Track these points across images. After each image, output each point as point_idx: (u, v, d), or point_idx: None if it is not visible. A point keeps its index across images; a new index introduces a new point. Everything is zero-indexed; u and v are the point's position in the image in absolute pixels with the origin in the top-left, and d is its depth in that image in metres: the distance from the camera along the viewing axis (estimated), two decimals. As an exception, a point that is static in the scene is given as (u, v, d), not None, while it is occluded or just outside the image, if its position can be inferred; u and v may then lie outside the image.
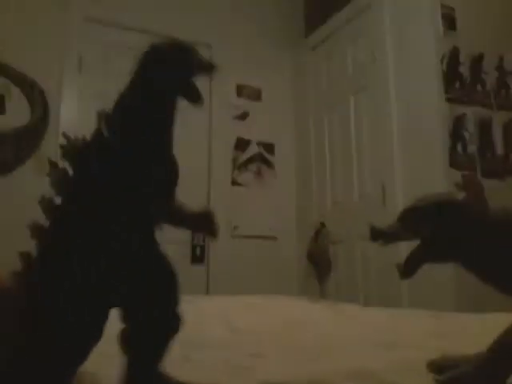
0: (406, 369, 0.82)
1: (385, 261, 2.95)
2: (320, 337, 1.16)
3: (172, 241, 3.76)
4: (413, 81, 3.07)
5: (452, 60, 3.03)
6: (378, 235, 0.67)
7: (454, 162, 2.92)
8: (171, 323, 0.72)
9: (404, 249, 0.70)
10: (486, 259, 0.66)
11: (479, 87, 3.13)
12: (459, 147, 2.98)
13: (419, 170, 3.00)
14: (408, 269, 0.66)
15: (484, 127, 3.13)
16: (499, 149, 3.12)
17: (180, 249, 3.42)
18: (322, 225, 3.23)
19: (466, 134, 3.02)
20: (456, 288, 2.70)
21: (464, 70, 3.06)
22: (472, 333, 1.13)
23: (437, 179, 2.89)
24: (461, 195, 0.66)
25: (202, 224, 0.74)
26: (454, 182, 0.68)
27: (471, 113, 3.07)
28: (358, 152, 3.48)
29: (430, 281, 2.74)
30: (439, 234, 0.65)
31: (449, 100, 2.98)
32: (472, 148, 3.02)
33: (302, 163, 4.03)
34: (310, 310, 1.63)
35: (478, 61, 3.14)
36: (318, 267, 3.09)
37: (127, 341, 0.71)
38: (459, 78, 3.04)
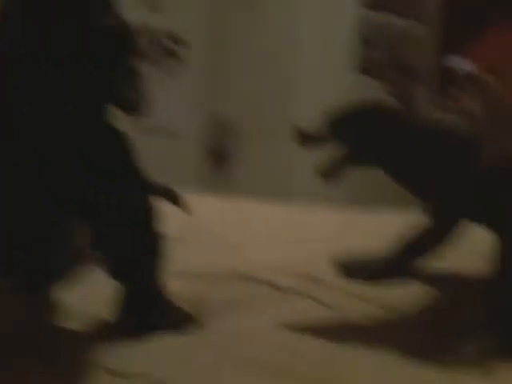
0: (315, 262, 0.88)
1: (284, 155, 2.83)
2: (233, 233, 1.12)
3: None
4: None
5: None
6: (305, 138, 0.67)
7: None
8: (151, 241, 0.69)
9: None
10: (406, 165, 0.69)
11: None
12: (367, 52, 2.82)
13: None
14: (331, 172, 0.68)
15: (393, 34, 2.92)
16: (406, 57, 2.98)
17: None
18: (226, 120, 3.12)
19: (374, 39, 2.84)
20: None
21: None
22: (370, 226, 1.18)
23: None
24: (390, 102, 0.67)
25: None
26: (387, 91, 0.69)
27: (382, 18, 2.91)
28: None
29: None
30: (365, 140, 0.67)
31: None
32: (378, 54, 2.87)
33: (210, 53, 3.66)
34: (219, 206, 1.45)
35: None
36: (221, 162, 3.04)
37: (113, 270, 0.69)
38: None
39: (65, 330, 0.68)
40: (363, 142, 0.67)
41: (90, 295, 0.77)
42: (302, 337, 0.66)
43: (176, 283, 0.73)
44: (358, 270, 0.85)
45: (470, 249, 0.88)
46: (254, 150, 3.30)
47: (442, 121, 0.68)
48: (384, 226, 1.20)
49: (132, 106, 0.64)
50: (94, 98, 0.63)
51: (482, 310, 0.68)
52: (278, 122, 2.83)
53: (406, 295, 0.78)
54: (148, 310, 0.70)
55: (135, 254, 0.68)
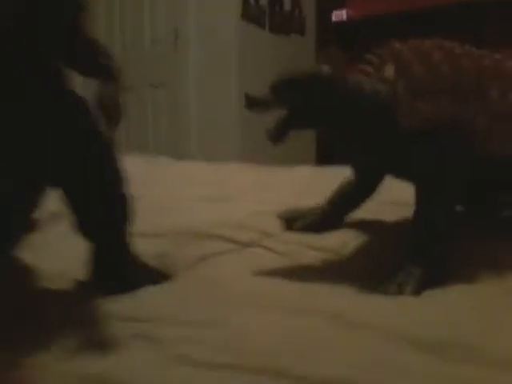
0: (237, 225, 0.94)
1: (174, 109, 3.07)
2: (164, 195, 1.20)
3: None
4: None
5: None
6: (253, 103, 0.71)
7: (245, 14, 2.97)
8: (116, 202, 0.71)
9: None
10: (338, 127, 0.76)
11: None
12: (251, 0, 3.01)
13: (212, 18, 3.00)
14: (278, 134, 0.73)
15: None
16: (287, 4, 3.21)
17: None
18: (119, 70, 3.17)
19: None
20: (241, 135, 2.89)
21: None
22: (285, 183, 1.34)
23: (228, 29, 2.97)
24: (325, 68, 0.72)
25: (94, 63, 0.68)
26: (322, 58, 0.74)
27: None
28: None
29: (216, 129, 2.94)
30: (307, 104, 0.72)
31: None
32: (263, 1, 3.07)
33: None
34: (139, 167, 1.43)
35: None
36: (109, 116, 3.10)
37: (78, 227, 0.71)
38: None
39: (45, 290, 0.70)
40: (303, 105, 0.72)
41: (58, 256, 0.79)
42: (272, 279, 0.73)
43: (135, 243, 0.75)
44: (298, 221, 0.95)
45: (391, 200, 1.02)
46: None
47: (363, 84, 0.73)
48: (298, 179, 1.32)
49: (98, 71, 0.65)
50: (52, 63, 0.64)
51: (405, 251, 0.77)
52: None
53: (342, 242, 0.87)
54: (122, 268, 0.73)
55: (106, 212, 0.71)
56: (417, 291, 0.70)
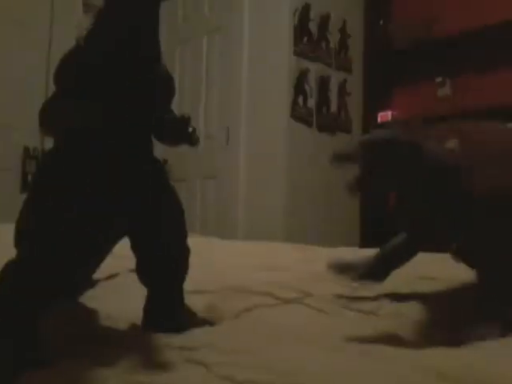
0: (280, 286, 1.02)
1: (222, 201, 3.24)
2: (211, 264, 1.28)
3: (1, 167, 3.59)
4: (266, 30, 3.23)
5: (303, 15, 3.24)
6: (341, 157, 0.76)
7: (294, 114, 3.16)
8: (180, 254, 0.80)
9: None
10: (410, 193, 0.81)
11: (324, 45, 3.38)
12: (300, 100, 3.22)
13: (263, 117, 3.20)
14: (357, 187, 0.77)
15: (323, 84, 3.37)
16: (334, 106, 3.40)
17: (9, 176, 3.14)
18: (165, 161, 3.31)
19: (308, 89, 3.24)
20: (285, 221, 3.03)
21: (313, 26, 3.29)
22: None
23: (278, 127, 3.16)
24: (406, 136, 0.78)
25: (179, 133, 0.76)
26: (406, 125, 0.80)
27: (314, 69, 3.29)
28: (206, 92, 3.52)
29: (261, 216, 3.08)
30: (391, 165, 0.77)
31: (296, 53, 3.18)
32: (311, 102, 3.27)
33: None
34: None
35: (325, 20, 3.37)
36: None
37: (141, 273, 0.80)
38: (308, 34, 3.27)
39: (107, 327, 0.79)
40: (386, 165, 0.77)
41: (117, 304, 0.88)
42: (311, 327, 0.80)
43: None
44: (347, 271, 1.01)
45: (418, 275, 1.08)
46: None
47: (439, 156, 0.77)
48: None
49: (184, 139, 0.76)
50: (147, 136, 0.76)
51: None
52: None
53: (378, 305, 0.93)
54: (176, 313, 0.81)
55: (170, 262, 0.80)
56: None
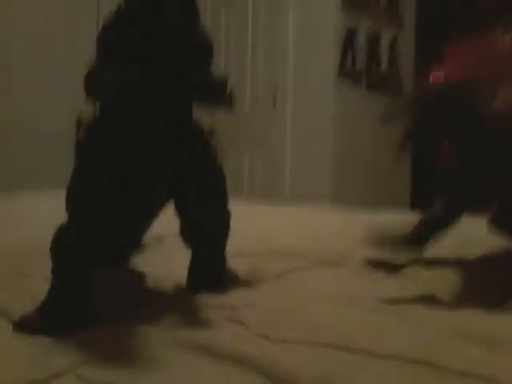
0: (320, 249, 1.04)
1: (269, 164, 3.22)
2: (255, 229, 1.29)
3: (56, 134, 3.60)
4: None
5: None
6: (392, 112, 0.77)
7: (342, 72, 3.09)
8: (221, 218, 0.83)
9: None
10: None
11: (373, 0, 3.26)
12: (349, 58, 3.14)
13: (310, 77, 3.14)
14: (405, 143, 0.78)
15: (373, 41, 3.24)
16: (384, 64, 3.32)
17: (63, 144, 3.07)
18: (213, 125, 3.29)
19: (357, 47, 3.12)
20: (333, 184, 3.00)
21: None
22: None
23: (326, 86, 3.09)
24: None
25: (216, 96, 0.76)
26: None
27: (363, 26, 3.17)
28: (252, 53, 3.45)
29: (309, 179, 3.05)
30: (439, 117, 0.77)
31: (344, 10, 3.09)
32: (360, 60, 3.18)
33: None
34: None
35: None
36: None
37: (185, 235, 0.83)
38: None
39: (154, 288, 0.84)
40: (435, 117, 0.77)
41: (164, 265, 0.93)
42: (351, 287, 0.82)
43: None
44: (387, 240, 0.99)
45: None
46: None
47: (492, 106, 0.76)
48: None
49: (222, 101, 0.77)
50: (187, 99, 0.77)
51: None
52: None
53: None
54: (219, 274, 0.84)
55: (213, 225, 0.83)
56: None
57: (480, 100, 0.77)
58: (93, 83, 0.72)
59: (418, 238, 0.98)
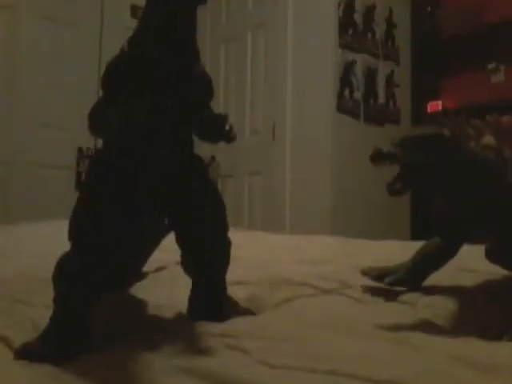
0: (320, 277, 1.05)
1: (269, 197, 3.26)
2: (254, 257, 1.33)
3: (56, 167, 3.70)
4: (310, 23, 3.22)
5: (348, 7, 3.23)
6: (379, 156, 0.75)
7: (340, 106, 3.17)
8: (222, 246, 0.84)
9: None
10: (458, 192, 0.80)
11: (369, 36, 3.37)
12: (347, 93, 3.22)
13: (308, 110, 3.20)
14: (398, 188, 0.77)
15: (370, 75, 3.31)
16: (381, 97, 3.40)
17: (64, 175, 3.34)
18: (213, 158, 3.32)
19: (354, 81, 3.19)
20: (332, 217, 3.06)
21: (358, 18, 3.28)
22: (370, 253, 1.41)
23: (324, 120, 3.16)
24: (447, 132, 0.76)
25: (217, 131, 0.77)
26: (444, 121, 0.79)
27: (360, 60, 3.25)
28: (251, 88, 3.55)
29: (308, 212, 3.10)
30: (429, 161, 0.76)
31: (341, 46, 3.18)
32: (357, 94, 3.27)
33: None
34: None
35: (370, 10, 3.35)
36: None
37: (186, 265, 0.84)
38: (353, 26, 3.26)
39: (153, 315, 0.84)
40: (425, 162, 0.76)
41: (164, 294, 0.93)
42: (352, 315, 0.82)
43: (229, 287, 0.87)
44: (386, 278, 0.99)
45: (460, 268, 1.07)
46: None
47: (476, 149, 0.76)
48: (384, 250, 1.40)
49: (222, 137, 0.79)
50: (188, 134, 0.80)
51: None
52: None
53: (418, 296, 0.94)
54: (219, 303, 0.85)
55: (213, 254, 0.83)
56: None
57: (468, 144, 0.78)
58: (96, 121, 0.74)
59: (416, 271, 0.98)
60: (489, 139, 0.80)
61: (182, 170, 0.78)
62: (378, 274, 1.00)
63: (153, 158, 0.74)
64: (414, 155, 0.76)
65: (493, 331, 0.75)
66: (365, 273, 1.02)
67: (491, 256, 0.93)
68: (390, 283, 0.98)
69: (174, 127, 0.75)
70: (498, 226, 0.82)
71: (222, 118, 0.78)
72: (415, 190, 0.81)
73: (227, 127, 0.77)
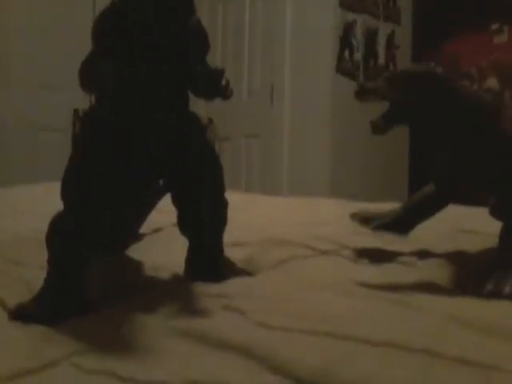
0: (318, 238, 1.03)
1: (267, 159, 3.23)
2: (252, 218, 1.33)
3: (53, 128, 3.74)
4: None
5: None
6: (364, 91, 0.72)
7: (340, 68, 3.11)
8: (218, 207, 0.82)
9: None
10: (437, 131, 0.76)
11: None
12: (346, 53, 3.15)
13: (308, 72, 3.14)
14: (383, 126, 0.74)
15: (370, 36, 3.26)
16: (381, 58, 3.34)
17: (61, 136, 3.28)
18: (210, 120, 3.32)
19: (354, 42, 3.13)
20: (330, 180, 3.03)
21: None
22: None
23: (323, 82, 3.10)
24: (439, 69, 0.73)
25: (212, 86, 0.75)
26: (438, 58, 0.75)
27: (360, 21, 3.19)
28: (249, 48, 3.48)
29: (307, 175, 3.07)
30: (418, 99, 0.72)
31: (342, 5, 3.11)
32: (357, 55, 3.20)
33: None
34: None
35: None
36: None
37: (182, 226, 0.83)
38: None
39: (151, 276, 0.83)
40: (413, 99, 0.72)
41: (160, 255, 0.92)
42: (349, 273, 0.82)
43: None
44: (373, 222, 0.97)
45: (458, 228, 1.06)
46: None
47: (470, 90, 0.75)
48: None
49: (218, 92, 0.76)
50: (183, 90, 0.77)
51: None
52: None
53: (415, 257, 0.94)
54: (216, 263, 0.84)
55: (210, 214, 0.82)
56: None
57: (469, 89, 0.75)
58: (87, 75, 0.72)
59: (406, 217, 0.96)
60: (492, 82, 0.77)
61: (178, 134, 0.76)
62: (366, 218, 0.98)
63: (148, 122, 0.72)
64: (400, 91, 0.72)
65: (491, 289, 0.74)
66: (353, 216, 1.00)
67: (495, 212, 0.91)
68: (377, 227, 0.95)
69: (170, 91, 0.73)
70: (494, 175, 0.79)
71: (218, 73, 0.75)
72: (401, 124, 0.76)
73: (223, 82, 0.75)
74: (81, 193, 0.70)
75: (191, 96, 0.78)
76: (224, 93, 0.75)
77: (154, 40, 0.70)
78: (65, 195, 0.71)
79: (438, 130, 0.77)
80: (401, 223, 0.95)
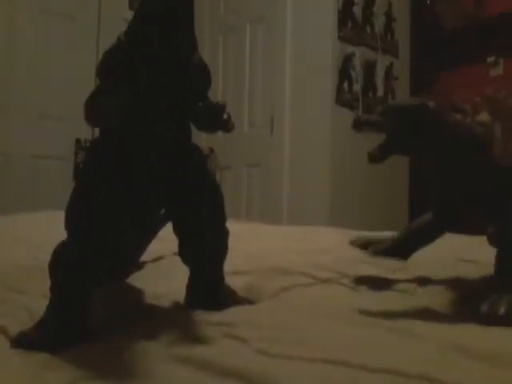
0: (318, 267, 1.05)
1: (267, 189, 3.27)
2: (252, 247, 1.34)
3: (54, 157, 3.74)
4: (309, 16, 3.21)
5: (347, 0, 3.23)
6: (361, 123, 0.74)
7: (339, 99, 3.16)
8: (219, 236, 0.83)
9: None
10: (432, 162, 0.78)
11: (369, 29, 3.37)
12: (345, 85, 3.21)
13: (308, 104, 3.19)
14: (380, 156, 0.76)
15: (369, 68, 3.30)
16: (380, 90, 3.40)
17: (62, 165, 3.33)
18: (211, 150, 3.33)
19: (353, 74, 3.18)
20: (330, 210, 3.03)
21: (357, 11, 3.28)
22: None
23: (322, 114, 3.15)
24: (431, 103, 0.75)
25: (214, 120, 0.76)
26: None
27: (359, 53, 3.24)
28: (250, 81, 3.54)
29: (307, 204, 3.10)
30: (413, 130, 0.75)
31: (340, 38, 3.17)
32: (356, 87, 3.26)
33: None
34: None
35: (370, 4, 3.36)
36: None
37: (183, 255, 0.83)
38: (352, 18, 3.25)
39: (151, 304, 0.83)
40: (408, 131, 0.74)
41: (161, 283, 0.93)
42: (349, 305, 0.82)
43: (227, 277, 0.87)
44: (371, 247, 0.98)
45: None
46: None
47: (463, 122, 0.75)
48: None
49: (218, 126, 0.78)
50: (186, 123, 0.79)
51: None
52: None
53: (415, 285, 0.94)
54: (216, 292, 0.84)
55: (211, 243, 0.83)
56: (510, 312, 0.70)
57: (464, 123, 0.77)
58: (92, 111, 0.73)
59: (405, 243, 0.96)
60: (484, 116, 0.79)
61: (178, 149, 0.77)
62: (365, 243, 0.99)
63: (148, 136, 0.73)
64: (392, 124, 0.74)
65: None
66: (353, 242, 1.01)
67: (492, 240, 0.92)
68: (376, 252, 0.96)
69: (169, 104, 0.74)
70: (487, 206, 0.80)
71: (220, 107, 0.77)
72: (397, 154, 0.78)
73: (225, 116, 0.77)
74: (84, 222, 0.71)
75: (193, 127, 0.80)
76: (226, 126, 0.77)
77: (157, 76, 0.72)
78: (69, 225, 0.72)
79: (431, 161, 0.79)
80: (400, 248, 0.96)
